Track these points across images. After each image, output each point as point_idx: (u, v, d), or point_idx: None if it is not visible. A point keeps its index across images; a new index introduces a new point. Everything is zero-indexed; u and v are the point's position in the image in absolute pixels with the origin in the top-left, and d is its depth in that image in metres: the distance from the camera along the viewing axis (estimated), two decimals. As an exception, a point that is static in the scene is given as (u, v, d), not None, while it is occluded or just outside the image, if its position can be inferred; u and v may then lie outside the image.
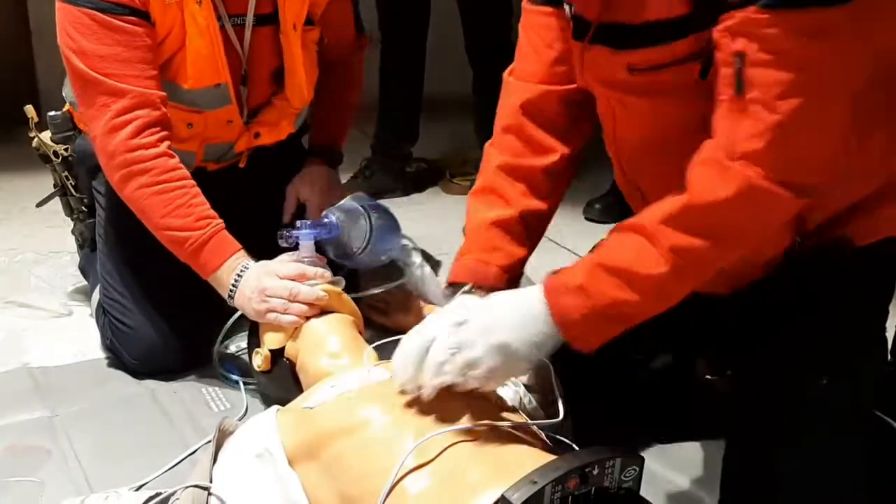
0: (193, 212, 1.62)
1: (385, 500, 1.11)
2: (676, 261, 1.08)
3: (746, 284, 1.23)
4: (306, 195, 1.95)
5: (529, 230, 1.34)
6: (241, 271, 1.61)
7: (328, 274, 1.64)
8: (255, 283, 1.59)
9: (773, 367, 1.20)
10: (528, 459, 1.10)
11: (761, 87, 1.00)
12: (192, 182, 1.65)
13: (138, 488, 1.44)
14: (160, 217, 1.62)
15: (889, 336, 1.38)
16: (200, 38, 1.67)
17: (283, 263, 1.63)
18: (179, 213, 1.62)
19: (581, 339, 1.14)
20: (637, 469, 1.12)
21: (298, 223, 1.71)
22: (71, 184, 1.93)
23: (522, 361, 1.15)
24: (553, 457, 1.11)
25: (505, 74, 1.38)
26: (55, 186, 1.98)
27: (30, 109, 1.93)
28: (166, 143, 1.64)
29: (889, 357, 1.48)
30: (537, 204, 1.34)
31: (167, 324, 1.79)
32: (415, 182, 2.90)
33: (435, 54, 2.84)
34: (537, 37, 1.30)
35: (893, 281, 1.25)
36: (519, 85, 1.35)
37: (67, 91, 1.87)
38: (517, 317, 1.14)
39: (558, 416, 1.21)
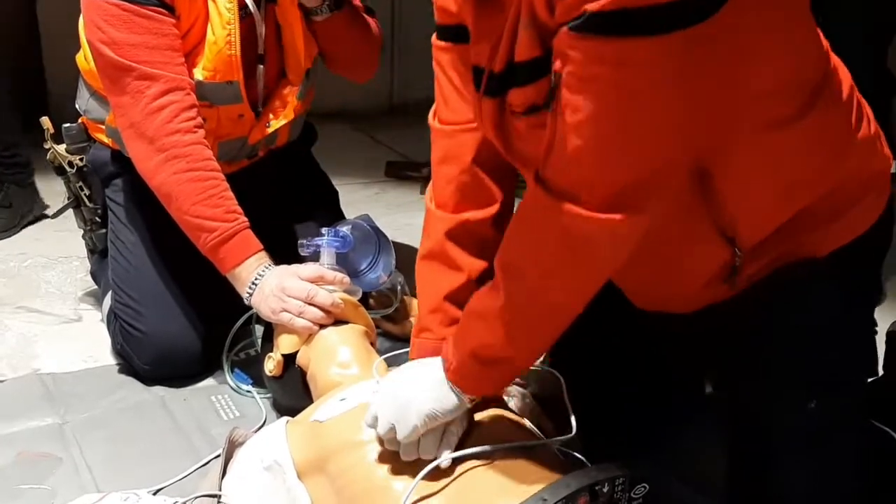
0: (224, 204, 1.65)
1: None
2: (508, 294, 1.11)
3: (707, 304, 1.22)
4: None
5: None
6: (263, 271, 1.63)
7: (347, 280, 1.66)
8: (276, 281, 1.60)
9: (763, 390, 1.19)
10: (537, 477, 1.11)
11: (568, 109, 1.00)
12: (223, 176, 1.67)
13: (156, 492, 1.45)
14: (191, 204, 1.64)
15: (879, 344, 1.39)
16: (222, 30, 1.69)
17: (304, 266, 1.66)
18: (211, 202, 1.64)
19: (465, 386, 1.17)
20: (647, 486, 1.13)
21: (324, 230, 1.73)
22: (85, 194, 1.95)
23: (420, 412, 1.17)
24: (563, 474, 1.11)
25: (430, 119, 1.32)
26: (68, 198, 1.99)
27: (45, 121, 1.95)
28: (201, 131, 1.68)
29: (881, 366, 1.49)
30: (489, 260, 1.28)
31: (179, 329, 1.80)
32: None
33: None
34: (456, 73, 1.25)
35: (870, 284, 1.24)
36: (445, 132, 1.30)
37: (81, 102, 1.89)
38: (420, 374, 1.20)
39: (570, 431, 1.22)
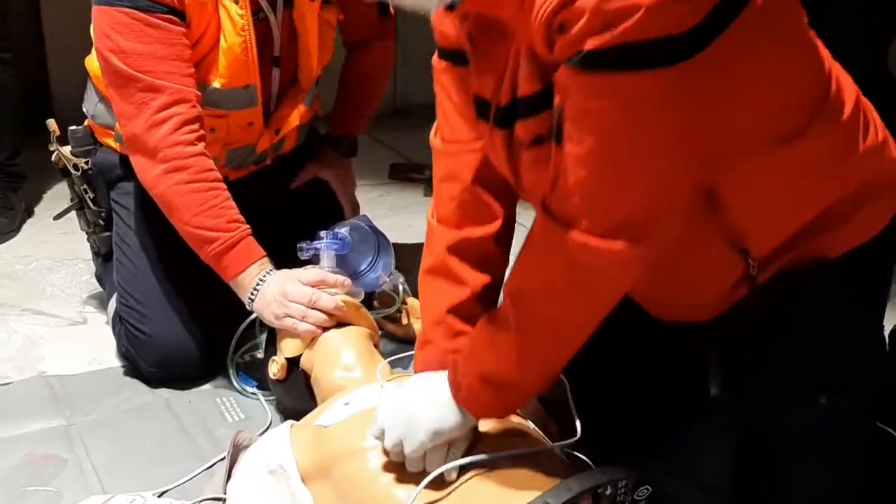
0: (225, 213, 1.65)
1: None
2: (518, 321, 1.11)
3: (727, 308, 1.22)
4: (328, 177, 2.04)
5: (486, 302, 1.31)
6: (265, 276, 1.64)
7: (348, 282, 1.66)
8: (278, 287, 1.61)
9: (770, 391, 1.20)
10: (540, 482, 1.11)
11: (569, 142, 1.01)
12: (225, 186, 1.68)
13: (161, 494, 1.46)
14: (193, 215, 1.64)
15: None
16: (236, 36, 1.69)
17: (305, 270, 1.66)
18: (212, 213, 1.64)
19: (475, 410, 1.18)
20: (650, 488, 1.13)
21: (322, 233, 1.73)
22: (89, 197, 1.94)
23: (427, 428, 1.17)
24: (566, 477, 1.12)
25: (431, 137, 1.33)
26: (72, 200, 1.99)
27: (51, 123, 1.94)
28: (202, 143, 1.68)
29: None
30: (491, 274, 1.31)
31: (184, 331, 1.80)
32: None
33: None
34: (455, 93, 1.26)
35: (881, 286, 1.24)
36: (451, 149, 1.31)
37: (89, 107, 1.89)
38: (427, 391, 1.20)
39: (575, 434, 1.22)
